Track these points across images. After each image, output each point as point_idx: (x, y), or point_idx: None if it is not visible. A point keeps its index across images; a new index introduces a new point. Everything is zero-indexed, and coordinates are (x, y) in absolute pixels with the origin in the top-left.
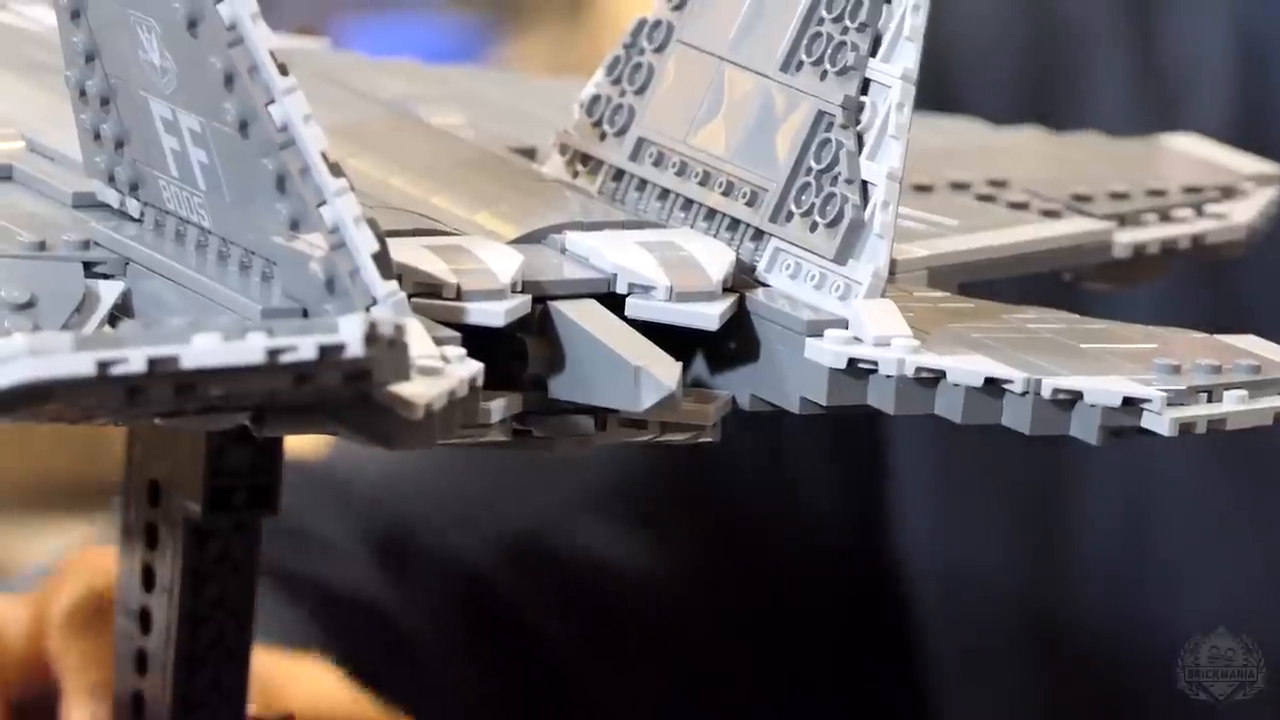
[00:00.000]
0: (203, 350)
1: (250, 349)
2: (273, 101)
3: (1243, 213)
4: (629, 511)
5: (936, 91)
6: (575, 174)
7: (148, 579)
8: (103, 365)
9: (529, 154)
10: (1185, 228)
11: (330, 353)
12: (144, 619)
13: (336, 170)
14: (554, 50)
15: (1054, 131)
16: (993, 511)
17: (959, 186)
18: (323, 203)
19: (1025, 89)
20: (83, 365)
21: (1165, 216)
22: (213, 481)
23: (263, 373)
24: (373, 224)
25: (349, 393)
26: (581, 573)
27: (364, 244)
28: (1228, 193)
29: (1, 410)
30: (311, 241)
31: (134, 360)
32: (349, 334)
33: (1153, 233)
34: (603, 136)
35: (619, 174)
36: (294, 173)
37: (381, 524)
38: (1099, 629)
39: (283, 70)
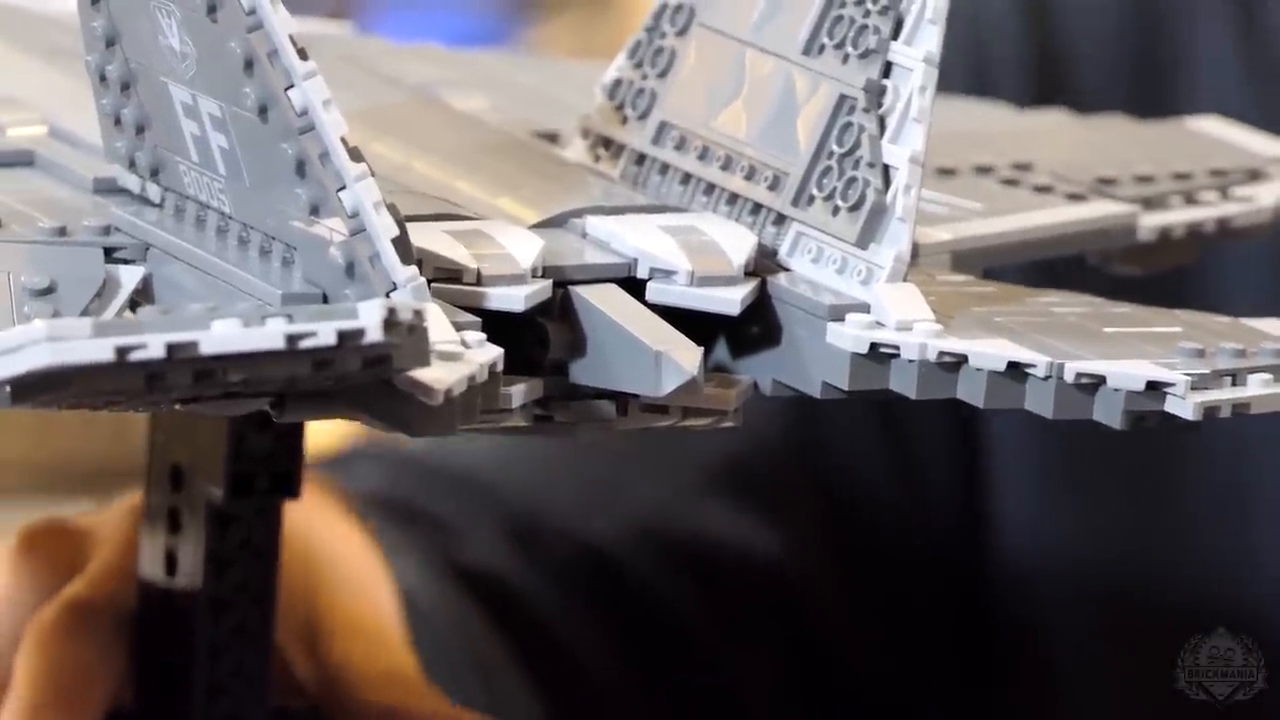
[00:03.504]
0: (222, 336)
1: (270, 335)
2: (292, 86)
3: (1269, 195)
4: (745, 493)
5: (961, 75)
6: (597, 158)
7: (170, 564)
8: (122, 351)
9: (551, 138)
10: (1211, 211)
11: (350, 338)
12: None
13: (356, 155)
14: (581, 34)
15: (1079, 114)
16: (1108, 500)
17: (983, 170)
18: (343, 187)
19: (1050, 72)
20: (102, 351)
21: (1191, 199)
22: (235, 467)
23: (282, 358)
24: (393, 209)
25: (369, 378)
26: (704, 550)
27: (384, 229)
28: (1253, 175)
29: (22, 396)
30: (331, 226)
31: (153, 346)
32: (369, 319)
33: (1178, 216)
34: (624, 120)
35: (641, 158)
36: (314, 157)
37: (508, 508)
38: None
39: (302, 55)
